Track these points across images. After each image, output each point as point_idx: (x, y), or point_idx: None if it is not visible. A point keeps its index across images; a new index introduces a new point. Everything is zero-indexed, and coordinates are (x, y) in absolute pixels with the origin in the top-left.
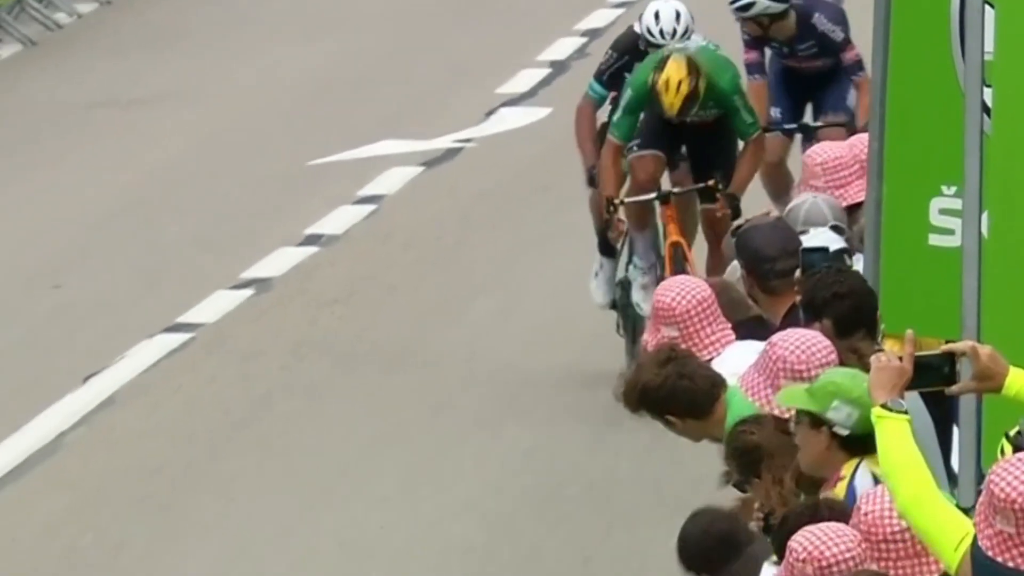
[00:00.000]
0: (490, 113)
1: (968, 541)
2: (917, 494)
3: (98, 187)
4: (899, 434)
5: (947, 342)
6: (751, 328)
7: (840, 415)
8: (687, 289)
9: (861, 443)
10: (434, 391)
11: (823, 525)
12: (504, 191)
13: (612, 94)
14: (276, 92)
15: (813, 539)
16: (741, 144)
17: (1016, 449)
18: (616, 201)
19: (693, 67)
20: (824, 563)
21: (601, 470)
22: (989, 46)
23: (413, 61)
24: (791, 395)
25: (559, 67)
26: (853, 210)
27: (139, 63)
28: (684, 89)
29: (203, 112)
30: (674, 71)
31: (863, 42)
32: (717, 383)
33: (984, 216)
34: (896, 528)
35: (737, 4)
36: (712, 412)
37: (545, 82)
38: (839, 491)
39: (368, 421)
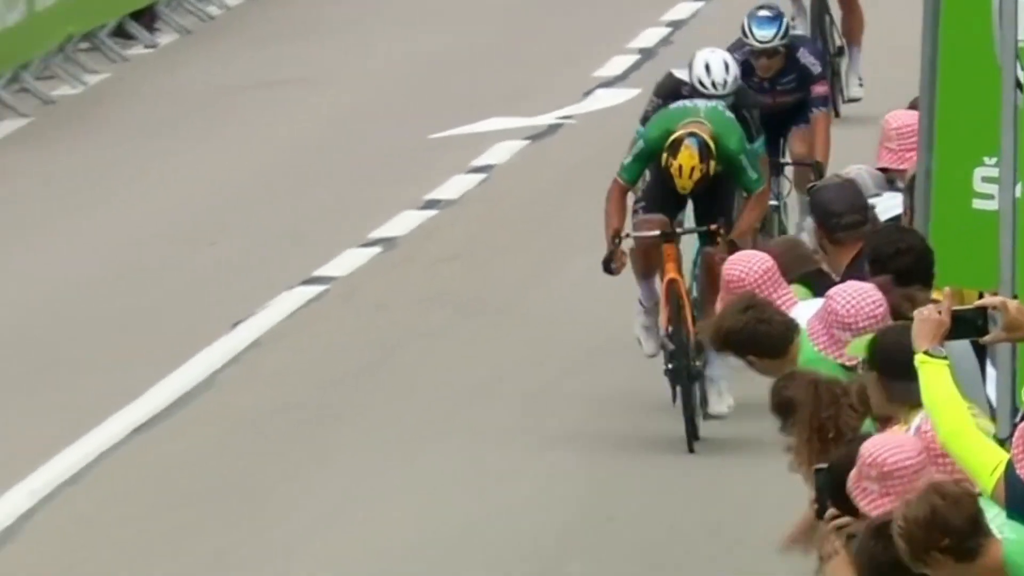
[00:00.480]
0: (587, 93)
1: (1002, 468)
2: (956, 428)
3: (246, 159)
4: (939, 376)
5: (980, 296)
6: (814, 279)
7: None
8: (752, 262)
9: None
10: (536, 339)
11: (892, 435)
12: (600, 162)
13: None
14: (401, 74)
15: (880, 446)
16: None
17: None
18: (623, 234)
19: (706, 152)
20: (886, 468)
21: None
22: (1022, 34)
23: (520, 47)
24: (861, 347)
25: (647, 54)
26: None
27: (281, 50)
28: (696, 175)
29: (337, 92)
30: (687, 159)
31: (912, 23)
32: (791, 327)
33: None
34: None
35: (767, 45)
36: (787, 353)
37: (635, 67)
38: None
39: (480, 365)
